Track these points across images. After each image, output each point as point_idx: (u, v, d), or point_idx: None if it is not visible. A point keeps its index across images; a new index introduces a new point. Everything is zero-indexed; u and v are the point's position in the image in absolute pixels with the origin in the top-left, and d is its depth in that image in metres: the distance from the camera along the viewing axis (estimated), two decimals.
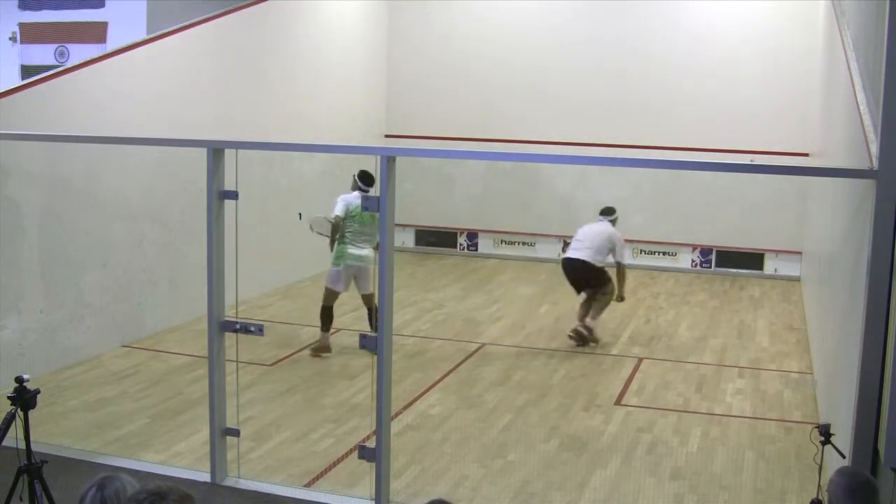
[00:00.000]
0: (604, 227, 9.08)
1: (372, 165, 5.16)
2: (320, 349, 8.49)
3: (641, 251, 12.98)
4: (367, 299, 8.51)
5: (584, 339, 8.92)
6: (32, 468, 4.43)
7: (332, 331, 8.58)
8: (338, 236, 8.38)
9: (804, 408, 7.30)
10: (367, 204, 5.21)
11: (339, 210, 8.35)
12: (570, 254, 9.06)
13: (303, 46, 11.67)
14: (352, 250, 8.38)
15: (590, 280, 8.97)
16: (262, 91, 10.81)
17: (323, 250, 8.64)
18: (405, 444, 6.34)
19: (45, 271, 7.71)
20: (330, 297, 8.53)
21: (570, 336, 8.97)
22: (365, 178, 8.26)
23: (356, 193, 8.32)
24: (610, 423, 6.91)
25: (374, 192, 5.19)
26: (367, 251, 8.37)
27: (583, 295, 9.15)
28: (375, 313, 8.11)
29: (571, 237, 9.26)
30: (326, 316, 8.50)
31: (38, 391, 4.46)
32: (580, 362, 8.49)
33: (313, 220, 8.82)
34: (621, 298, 9.13)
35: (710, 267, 12.74)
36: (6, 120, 7.21)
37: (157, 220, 8.95)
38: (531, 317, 10.19)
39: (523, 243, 13.51)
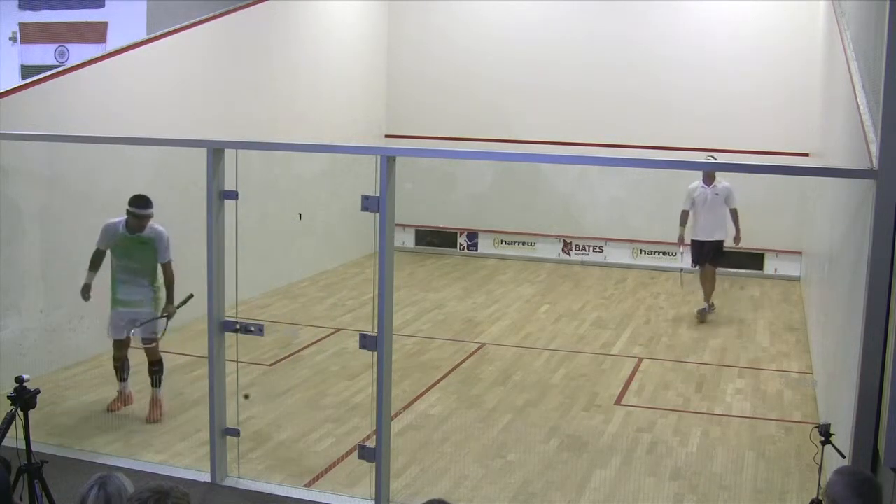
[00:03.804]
0: None
1: (372, 165, 5.15)
2: (124, 401, 7.01)
3: (641, 251, 12.97)
4: (148, 351, 6.88)
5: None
6: (32, 468, 4.43)
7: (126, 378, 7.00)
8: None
9: (804, 408, 7.30)
10: (367, 204, 5.20)
11: (98, 241, 6.78)
12: None
13: (303, 46, 11.66)
14: (120, 294, 6.77)
15: None
16: (262, 91, 10.81)
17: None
18: (405, 444, 6.34)
19: (45, 271, 7.70)
20: (114, 347, 6.95)
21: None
22: (134, 201, 6.71)
23: (119, 219, 6.74)
24: (610, 423, 6.91)
25: (373, 191, 5.16)
26: (140, 292, 6.76)
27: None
28: (158, 369, 6.88)
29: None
30: (118, 366, 6.97)
31: (38, 391, 4.47)
32: (580, 362, 8.48)
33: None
34: None
35: None
36: (6, 120, 7.21)
37: (157, 221, 8.91)
38: (531, 317, 10.19)
39: (523, 243, 13.49)
